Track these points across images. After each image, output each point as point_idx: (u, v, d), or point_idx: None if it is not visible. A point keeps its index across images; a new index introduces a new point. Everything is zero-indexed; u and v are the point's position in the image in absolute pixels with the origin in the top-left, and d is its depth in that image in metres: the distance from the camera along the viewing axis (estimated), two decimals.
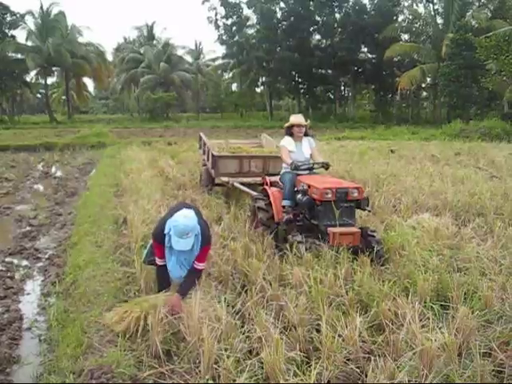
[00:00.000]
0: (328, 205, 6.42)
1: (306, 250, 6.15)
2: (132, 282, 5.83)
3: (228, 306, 4.92)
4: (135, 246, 6.83)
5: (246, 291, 5.39)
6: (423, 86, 50.83)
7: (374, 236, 6.38)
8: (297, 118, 7.82)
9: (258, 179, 9.79)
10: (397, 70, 48.61)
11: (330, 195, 6.40)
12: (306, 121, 7.86)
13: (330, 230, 6.23)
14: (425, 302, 5.02)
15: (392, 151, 19.87)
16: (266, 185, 7.99)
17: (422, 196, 10.01)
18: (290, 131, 7.77)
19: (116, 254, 6.97)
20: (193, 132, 34.32)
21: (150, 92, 54.20)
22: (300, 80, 54.29)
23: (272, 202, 7.43)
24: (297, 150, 7.66)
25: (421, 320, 4.46)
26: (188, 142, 23.93)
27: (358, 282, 5.40)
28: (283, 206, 7.21)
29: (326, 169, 7.64)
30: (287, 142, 7.71)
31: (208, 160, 11.14)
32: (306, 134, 7.84)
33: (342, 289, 5.21)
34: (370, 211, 7.37)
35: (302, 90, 55.42)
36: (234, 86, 66.77)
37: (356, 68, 51.96)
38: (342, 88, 58.69)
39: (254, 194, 8.62)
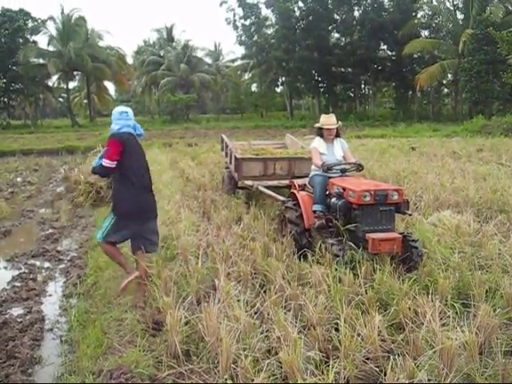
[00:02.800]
0: (366, 209, 6.07)
1: (338, 256, 5.82)
2: (152, 282, 5.86)
3: (247, 305, 4.92)
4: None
5: (264, 291, 5.39)
6: (444, 82, 50.25)
7: (416, 247, 5.96)
8: (328, 119, 7.44)
9: (284, 182, 9.58)
10: (417, 67, 48.15)
11: (368, 198, 6.02)
12: (338, 122, 7.50)
13: (369, 235, 5.87)
14: (445, 301, 4.97)
15: (413, 148, 19.70)
16: (295, 188, 7.62)
17: (443, 193, 9.90)
18: (320, 132, 7.44)
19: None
20: (213, 133, 34.47)
21: (170, 94, 54.50)
22: (320, 79, 54.10)
23: (302, 207, 7.07)
24: (328, 151, 7.33)
25: (441, 318, 4.41)
26: (208, 143, 24.04)
27: (377, 280, 5.36)
28: (314, 211, 6.85)
29: (360, 171, 7.30)
30: (318, 143, 7.37)
31: (231, 163, 10.90)
32: (337, 135, 7.51)
33: (362, 287, 5.18)
34: (410, 215, 6.91)
35: (321, 89, 55.20)
36: (254, 87, 66.77)
37: (376, 66, 51.57)
38: (362, 86, 58.25)
39: (282, 198, 8.31)
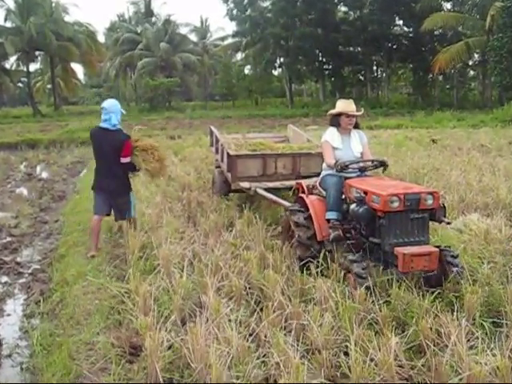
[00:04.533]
0: (394, 217, 5.83)
1: (364, 278, 5.60)
2: (129, 300, 5.85)
3: (240, 326, 4.92)
4: (132, 258, 6.88)
5: (261, 309, 5.38)
6: (470, 63, 50.42)
7: (456, 265, 5.81)
8: (347, 105, 7.15)
9: (288, 183, 9.47)
10: (438, 46, 48.27)
11: (397, 204, 5.75)
12: (359, 109, 7.30)
13: (399, 250, 5.61)
14: (473, 319, 4.98)
15: (434, 141, 19.75)
16: (303, 192, 7.40)
17: (470, 193, 9.93)
18: (336, 121, 7.17)
19: (110, 267, 7.03)
20: (200, 123, 34.49)
21: (149, 78, 54.53)
22: (324, 60, 54.28)
23: (312, 214, 6.84)
24: (344, 146, 7.06)
25: (468, 340, 4.41)
26: (194, 136, 24.05)
27: (393, 295, 5.37)
28: (328, 220, 6.62)
29: (384, 169, 7.09)
30: (331, 135, 7.11)
31: (222, 161, 10.69)
32: (355, 126, 7.27)
33: (375, 304, 5.19)
34: (449, 223, 6.56)
35: (326, 72, 55.39)
36: (247, 69, 66.94)
37: (390, 44, 51.76)
38: (374, 68, 58.50)
39: (288, 204, 8.07)
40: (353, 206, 6.17)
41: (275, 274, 6.02)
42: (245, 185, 9.73)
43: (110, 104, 8.06)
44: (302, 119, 37.61)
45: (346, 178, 6.73)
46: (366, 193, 6.12)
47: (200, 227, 8.65)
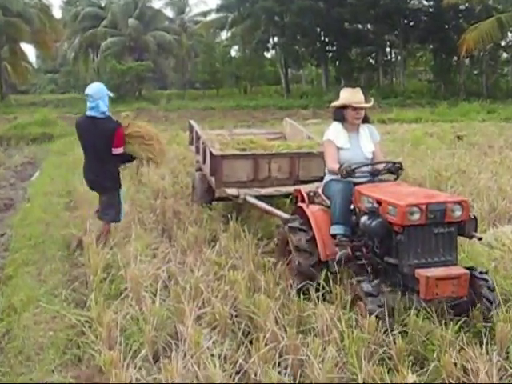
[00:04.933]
0: (415, 232, 5.76)
1: (381, 307, 5.50)
2: (90, 330, 5.83)
3: (225, 362, 4.92)
4: (94, 280, 6.86)
5: (250, 341, 5.39)
6: (502, 44, 50.64)
7: (491, 289, 5.78)
8: (353, 95, 7.13)
9: (284, 190, 9.55)
10: (464, 23, 48.45)
11: (417, 216, 5.67)
12: (369, 100, 7.29)
13: (421, 272, 5.54)
14: (506, 353, 4.99)
15: (459, 138, 19.82)
16: (302, 201, 7.36)
17: (503, 201, 9.95)
18: (340, 115, 7.18)
19: (67, 290, 6.99)
20: (176, 117, 34.50)
21: (116, 61, 54.43)
22: (327, 39, 54.40)
23: (314, 228, 6.78)
24: (351, 145, 7.09)
25: (501, 378, 4.43)
26: (170, 131, 23.91)
27: (410, 324, 5.38)
28: (333, 236, 6.59)
29: (396, 177, 7.01)
30: (336, 132, 7.12)
31: (204, 162, 10.63)
32: (364, 120, 7.29)
33: (388, 335, 5.20)
34: (480, 239, 6.40)
35: (330, 54, 55.57)
36: (234, 51, 67.16)
37: (406, 21, 52.00)
38: (388, 50, 58.74)
39: (284, 216, 8.12)
40: (364, 218, 6.06)
41: (267, 298, 6.03)
42: (232, 191, 9.62)
43: (95, 89, 8.43)
44: (300, 111, 37.69)
45: (355, 184, 6.64)
46: (379, 202, 6.04)
47: (177, 242, 8.67)
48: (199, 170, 11.22)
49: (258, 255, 7.84)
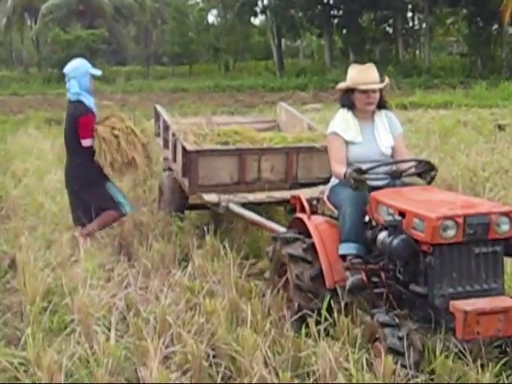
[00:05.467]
0: (449, 252, 5.62)
1: (401, 338, 5.41)
2: (26, 375, 5.82)
3: None
4: (31, 310, 6.82)
5: None
6: None
7: None
8: (365, 73, 7.01)
9: (278, 195, 9.48)
10: None
11: (453, 232, 5.51)
12: (383, 79, 7.12)
13: (457, 305, 5.39)
14: None
15: (500, 127, 19.84)
16: (302, 210, 7.31)
17: None
18: (348, 100, 7.08)
19: None
20: (138, 100, 34.41)
21: (60, 29, 54.34)
22: (331, 1, 54.47)
23: (318, 247, 6.68)
24: (364, 138, 7.00)
25: None
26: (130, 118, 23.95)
27: (437, 365, 5.39)
28: (343, 257, 6.48)
29: (430, 182, 6.78)
30: (344, 122, 7.04)
31: (175, 159, 10.53)
32: (381, 106, 7.20)
33: (410, 379, 5.20)
34: None
35: (335, 21, 55.62)
36: (213, 17, 67.22)
37: None
38: (409, 15, 58.92)
39: (279, 229, 8.07)
40: (382, 234, 5.92)
41: (254, 333, 6.02)
42: (211, 198, 9.52)
43: (71, 67, 9.29)
44: (297, 94, 37.81)
45: (372, 189, 6.49)
46: (402, 214, 5.91)
47: (138, 262, 8.66)
48: (168, 169, 11.16)
49: (243, 278, 7.83)
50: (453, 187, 11.16)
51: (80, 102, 9.20)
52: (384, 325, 5.51)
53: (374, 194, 6.35)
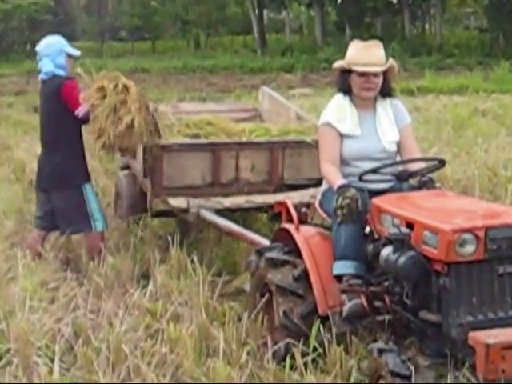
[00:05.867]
0: (468, 272, 5.47)
1: (402, 374, 5.25)
2: None
3: None
4: None
5: None
6: None
7: None
8: (366, 52, 6.88)
9: (259, 200, 9.47)
10: None
11: (472, 247, 5.37)
12: (387, 59, 6.99)
13: (478, 337, 5.23)
14: None
15: None
16: (289, 219, 7.25)
17: None
18: (346, 84, 7.02)
19: None
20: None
21: None
22: None
23: (308, 264, 6.60)
24: (363, 131, 6.94)
25: None
26: None
27: None
28: (338, 277, 6.42)
29: (432, 187, 6.68)
30: (339, 111, 6.99)
31: (135, 156, 10.50)
32: (385, 94, 7.13)
33: None
34: None
35: None
36: None
37: None
38: None
39: (263, 242, 8.00)
40: (386, 250, 5.81)
41: (228, 366, 6.05)
42: (178, 203, 9.51)
43: (44, 44, 9.49)
44: (282, 76, 37.95)
45: (373, 194, 6.52)
46: (411, 225, 5.82)
47: (88, 279, 8.64)
48: (126, 167, 11.21)
49: (214, 299, 7.82)
50: (468, 190, 11.18)
51: (57, 76, 9.29)
52: (395, 374, 5.29)
53: (375, 199, 6.31)
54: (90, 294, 8.03)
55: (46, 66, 9.20)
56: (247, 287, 7.47)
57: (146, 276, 8.78)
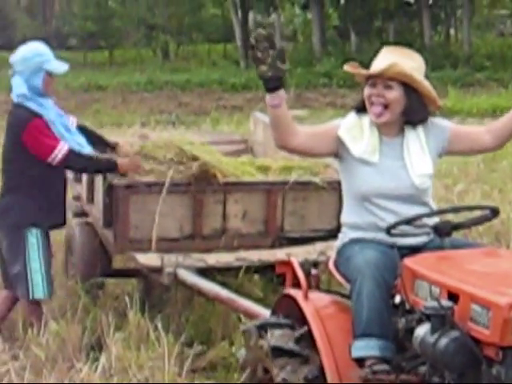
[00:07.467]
0: None
1: None
2: None
3: None
4: None
5: None
6: None
7: None
8: (388, 55, 6.74)
9: (254, 257, 9.27)
10: None
11: None
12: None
13: None
14: None
15: None
16: (296, 283, 7.02)
17: None
18: (361, 101, 6.76)
19: None
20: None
21: None
22: None
23: (319, 342, 6.31)
24: (382, 159, 6.65)
25: None
26: None
27: None
28: (359, 361, 6.14)
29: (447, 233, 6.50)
30: (353, 128, 6.72)
31: (93, 200, 10.48)
32: (414, 121, 6.75)
33: None
34: None
35: None
36: None
37: None
38: None
39: (261, 312, 7.93)
40: (422, 328, 5.53)
41: None
42: (149, 260, 9.31)
43: (18, 57, 9.06)
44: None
45: (404, 251, 6.38)
46: (454, 296, 5.55)
47: (25, 351, 8.59)
48: (81, 214, 11.12)
49: (183, 375, 7.79)
50: (501, 237, 11.17)
51: (21, 107, 9.02)
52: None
53: (408, 260, 6.06)
54: (26, 370, 7.97)
55: (18, 88, 8.91)
56: (241, 355, 7.20)
57: (97, 346, 8.69)
